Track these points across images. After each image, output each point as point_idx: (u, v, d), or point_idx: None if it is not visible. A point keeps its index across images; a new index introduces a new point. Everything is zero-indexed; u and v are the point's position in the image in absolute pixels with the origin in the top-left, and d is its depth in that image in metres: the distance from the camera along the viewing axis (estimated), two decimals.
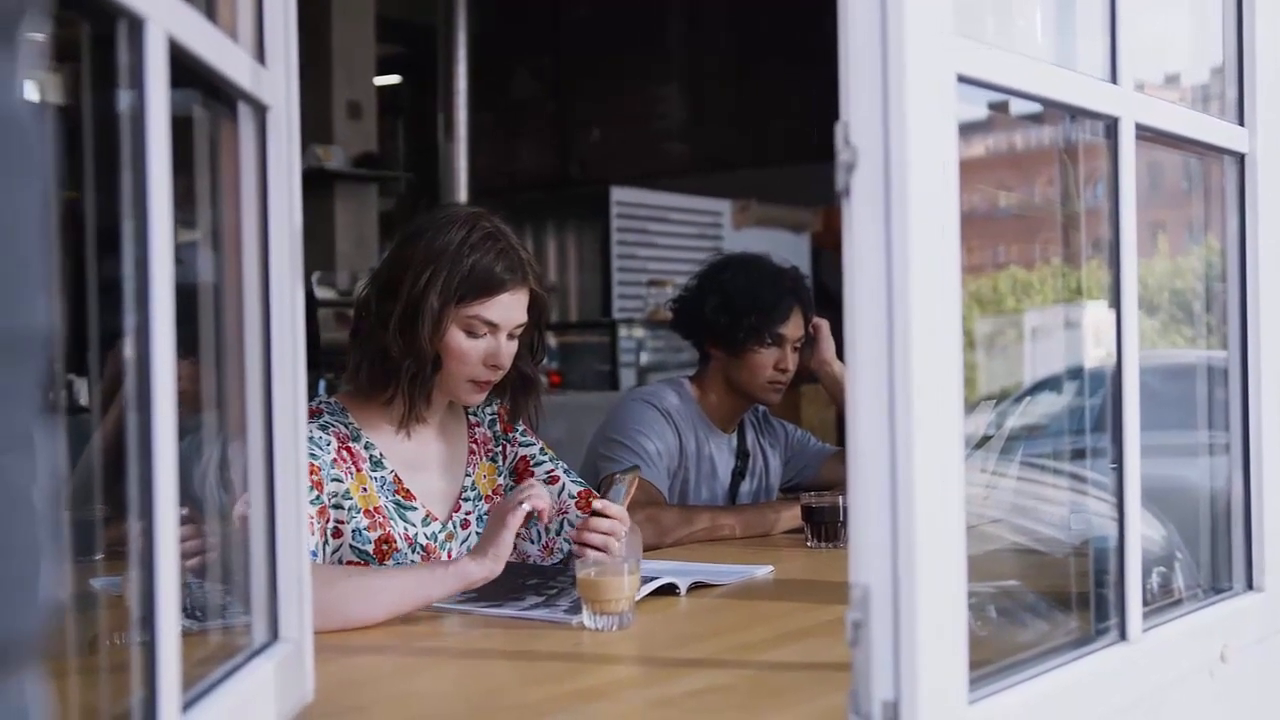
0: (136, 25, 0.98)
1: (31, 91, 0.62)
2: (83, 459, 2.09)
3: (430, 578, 1.97)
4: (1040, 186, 2.00)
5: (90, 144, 1.07)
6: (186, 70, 1.10)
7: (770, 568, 2.39)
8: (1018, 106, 1.54)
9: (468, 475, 2.36)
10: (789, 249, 6.57)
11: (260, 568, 1.36)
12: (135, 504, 0.99)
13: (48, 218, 0.61)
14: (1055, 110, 1.60)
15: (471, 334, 2.19)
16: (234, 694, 1.19)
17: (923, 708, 1.15)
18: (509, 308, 2.21)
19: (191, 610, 1.31)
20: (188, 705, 1.07)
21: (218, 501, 1.45)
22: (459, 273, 2.15)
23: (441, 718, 1.56)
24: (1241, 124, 1.81)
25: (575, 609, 1.93)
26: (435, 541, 2.26)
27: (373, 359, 2.20)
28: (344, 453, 2.19)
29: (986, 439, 1.96)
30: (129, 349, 0.98)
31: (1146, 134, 1.57)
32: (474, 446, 2.39)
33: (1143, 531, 1.56)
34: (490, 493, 2.37)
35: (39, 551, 0.58)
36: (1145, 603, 1.54)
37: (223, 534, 1.48)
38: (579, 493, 2.37)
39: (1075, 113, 1.56)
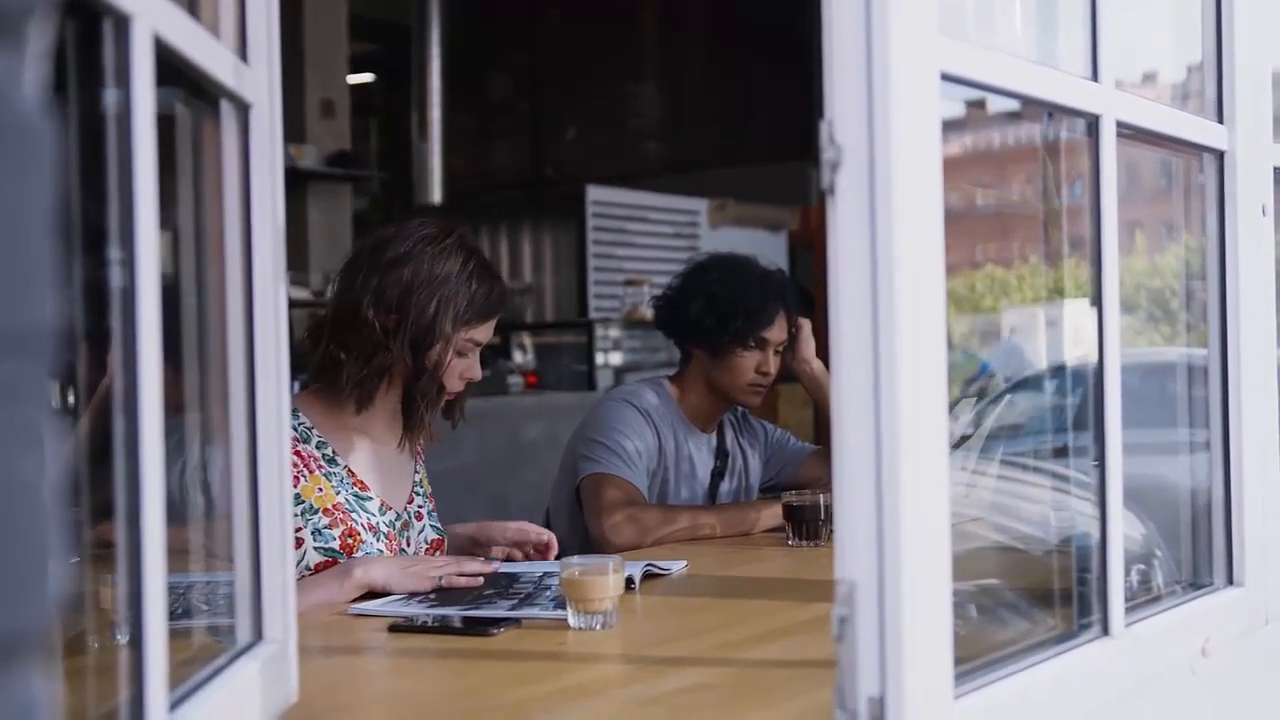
0: (123, 23, 0.97)
1: (38, 89, 0.62)
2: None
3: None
4: (1017, 185, 2.01)
5: (73, 142, 1.06)
6: (169, 67, 1.09)
7: (684, 563, 2.39)
8: (994, 104, 1.54)
9: (416, 472, 2.44)
10: (766, 248, 6.57)
11: (244, 569, 1.35)
12: (122, 506, 0.98)
13: (54, 216, 0.61)
14: (1035, 108, 1.60)
15: (462, 354, 2.29)
16: (220, 694, 1.18)
17: (909, 703, 1.16)
18: (492, 327, 2.34)
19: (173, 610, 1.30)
20: (174, 705, 1.07)
21: (200, 503, 1.44)
22: (464, 300, 2.24)
23: (425, 718, 1.55)
24: (1220, 121, 1.81)
25: (561, 604, 1.93)
26: (394, 529, 2.31)
27: (378, 374, 2.25)
28: (294, 456, 2.19)
29: (965, 438, 1.96)
30: (115, 350, 0.98)
31: (1127, 131, 1.58)
32: (418, 447, 2.46)
33: (1123, 529, 1.56)
34: (429, 493, 2.46)
35: (49, 548, 0.58)
36: (1126, 599, 1.55)
37: (205, 535, 1.48)
38: (433, 540, 2.44)
39: (1057, 110, 1.57)
